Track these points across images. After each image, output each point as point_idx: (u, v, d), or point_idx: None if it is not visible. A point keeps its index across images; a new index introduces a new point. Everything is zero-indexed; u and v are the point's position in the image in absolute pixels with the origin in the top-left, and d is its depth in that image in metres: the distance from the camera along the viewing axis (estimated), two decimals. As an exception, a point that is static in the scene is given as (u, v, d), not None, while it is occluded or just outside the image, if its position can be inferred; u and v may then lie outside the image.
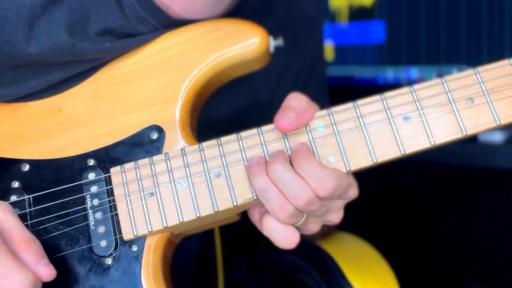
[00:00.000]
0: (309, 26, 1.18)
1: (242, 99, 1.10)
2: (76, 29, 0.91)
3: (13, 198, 0.89)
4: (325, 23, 2.04)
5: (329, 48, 2.05)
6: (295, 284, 1.17)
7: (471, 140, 1.64)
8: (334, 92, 1.28)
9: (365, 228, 1.28)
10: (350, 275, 1.07)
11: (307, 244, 1.14)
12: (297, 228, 0.87)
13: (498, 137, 1.63)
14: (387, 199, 1.94)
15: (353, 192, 0.88)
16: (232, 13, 1.00)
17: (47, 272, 0.82)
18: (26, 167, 0.91)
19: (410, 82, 1.86)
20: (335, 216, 0.89)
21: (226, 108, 1.07)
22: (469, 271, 1.81)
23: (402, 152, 0.85)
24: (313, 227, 0.90)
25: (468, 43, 1.79)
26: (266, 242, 1.03)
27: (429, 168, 1.79)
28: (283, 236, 0.86)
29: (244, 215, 0.95)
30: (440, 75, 0.88)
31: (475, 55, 1.78)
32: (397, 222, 1.92)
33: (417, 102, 0.86)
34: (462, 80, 0.87)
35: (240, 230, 1.24)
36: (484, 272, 1.79)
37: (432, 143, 0.85)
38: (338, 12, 2.03)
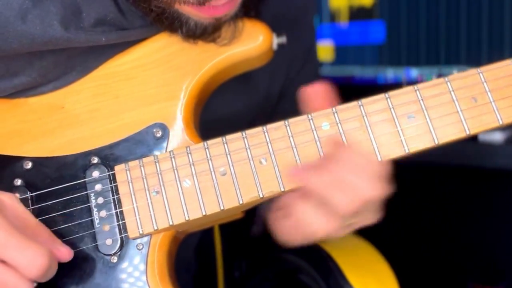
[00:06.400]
0: (300, 15, 1.17)
1: (241, 96, 1.09)
2: (70, 22, 0.90)
3: (16, 196, 0.88)
4: (325, 23, 2.04)
5: (329, 48, 2.05)
6: (295, 284, 1.17)
7: (471, 140, 1.64)
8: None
9: (365, 228, 1.28)
10: (350, 275, 1.07)
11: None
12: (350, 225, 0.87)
13: (498, 137, 1.63)
14: (387, 198, 1.94)
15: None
16: None
17: (66, 250, 0.83)
18: (29, 165, 0.90)
19: (410, 83, 1.86)
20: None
21: (225, 105, 1.06)
22: (469, 271, 1.81)
23: (407, 151, 0.86)
24: (370, 219, 0.90)
25: (468, 43, 1.79)
26: (265, 242, 1.03)
27: (429, 168, 1.79)
28: (321, 223, 0.84)
29: (246, 213, 0.96)
30: (440, 76, 0.88)
31: (475, 55, 1.78)
32: (397, 222, 1.92)
33: (421, 101, 0.86)
34: (465, 80, 0.87)
35: (240, 230, 1.24)
36: (484, 272, 1.79)
37: (436, 142, 0.85)
38: (338, 12, 2.03)
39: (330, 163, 0.83)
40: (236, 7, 0.90)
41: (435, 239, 1.87)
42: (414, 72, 1.88)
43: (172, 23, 0.91)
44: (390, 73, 1.93)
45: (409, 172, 1.84)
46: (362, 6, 1.98)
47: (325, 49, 2.05)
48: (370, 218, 0.89)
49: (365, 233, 1.21)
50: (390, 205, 1.96)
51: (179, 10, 0.89)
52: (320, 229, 0.85)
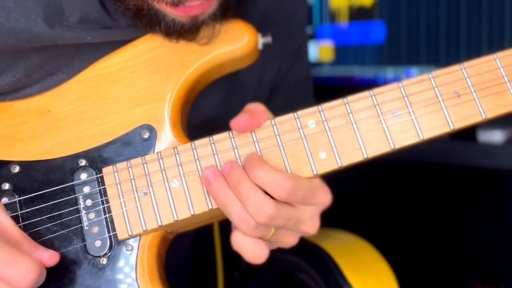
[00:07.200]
0: (290, 13, 1.17)
1: (229, 95, 1.09)
2: (54, 20, 0.90)
3: (4, 200, 0.89)
4: (325, 23, 2.04)
5: (329, 48, 2.05)
6: (294, 284, 1.17)
7: (471, 140, 1.64)
8: (334, 92, 1.28)
9: (365, 227, 1.28)
10: (349, 274, 1.06)
11: (306, 243, 1.14)
12: (269, 241, 0.87)
13: (498, 137, 1.63)
14: (388, 198, 1.93)
15: (323, 197, 0.86)
16: None
17: (51, 255, 0.83)
18: (16, 169, 0.90)
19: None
20: (310, 226, 0.87)
21: (213, 104, 1.07)
22: (469, 271, 1.80)
23: (392, 147, 0.86)
24: (289, 240, 0.89)
25: (468, 43, 1.78)
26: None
27: (429, 168, 1.79)
28: (250, 250, 0.85)
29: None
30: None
31: (475, 55, 1.77)
32: (397, 221, 1.92)
33: (405, 98, 0.87)
34: (449, 76, 0.88)
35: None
36: (484, 272, 1.78)
37: (421, 137, 0.86)
38: (338, 12, 2.03)
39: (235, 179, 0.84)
40: (213, 6, 0.90)
41: (435, 239, 1.87)
42: (414, 72, 1.88)
43: (150, 19, 0.90)
44: (390, 73, 1.93)
45: (409, 172, 1.84)
46: (362, 6, 1.98)
47: (325, 49, 2.05)
48: (306, 228, 0.87)
49: (365, 232, 1.21)
50: (391, 204, 1.96)
51: (155, 7, 0.89)
52: (242, 248, 0.86)
